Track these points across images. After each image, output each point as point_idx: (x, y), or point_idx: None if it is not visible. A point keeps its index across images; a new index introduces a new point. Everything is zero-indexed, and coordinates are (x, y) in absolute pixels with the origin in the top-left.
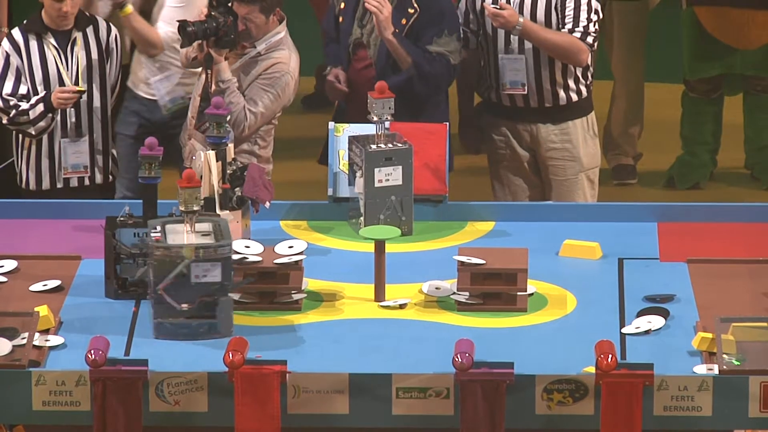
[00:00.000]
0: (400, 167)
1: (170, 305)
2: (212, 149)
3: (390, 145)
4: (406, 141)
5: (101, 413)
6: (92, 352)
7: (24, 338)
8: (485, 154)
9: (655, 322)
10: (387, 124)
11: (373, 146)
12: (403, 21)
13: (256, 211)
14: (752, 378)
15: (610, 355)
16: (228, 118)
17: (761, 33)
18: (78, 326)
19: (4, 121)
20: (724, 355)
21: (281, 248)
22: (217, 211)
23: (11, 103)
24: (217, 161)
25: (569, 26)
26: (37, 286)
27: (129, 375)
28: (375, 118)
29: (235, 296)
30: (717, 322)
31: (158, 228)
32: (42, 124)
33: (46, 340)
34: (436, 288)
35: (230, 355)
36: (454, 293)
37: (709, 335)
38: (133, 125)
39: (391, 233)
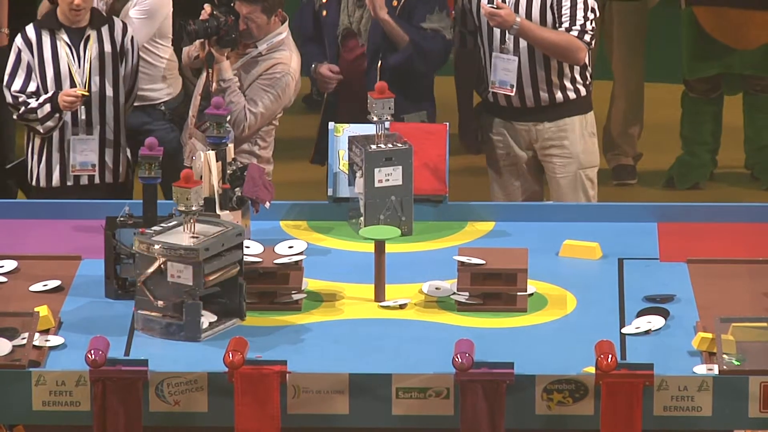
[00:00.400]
0: (400, 167)
1: (148, 299)
2: (212, 149)
3: (390, 145)
4: (406, 141)
5: (101, 413)
6: (92, 352)
7: (24, 338)
8: (485, 154)
9: (655, 322)
10: (387, 124)
11: (373, 146)
12: (395, 2)
13: (256, 211)
14: (752, 378)
15: (610, 356)
16: (228, 118)
17: (759, 33)
18: (78, 326)
19: (15, 117)
20: (724, 356)
21: (281, 248)
22: (217, 211)
23: (20, 99)
24: (217, 161)
25: (566, 25)
26: (37, 287)
27: (129, 375)
28: (375, 118)
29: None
30: (717, 323)
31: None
32: (50, 123)
33: (46, 340)
34: (436, 288)
35: (230, 356)
36: (454, 293)
37: (709, 335)
38: None
39: (391, 233)
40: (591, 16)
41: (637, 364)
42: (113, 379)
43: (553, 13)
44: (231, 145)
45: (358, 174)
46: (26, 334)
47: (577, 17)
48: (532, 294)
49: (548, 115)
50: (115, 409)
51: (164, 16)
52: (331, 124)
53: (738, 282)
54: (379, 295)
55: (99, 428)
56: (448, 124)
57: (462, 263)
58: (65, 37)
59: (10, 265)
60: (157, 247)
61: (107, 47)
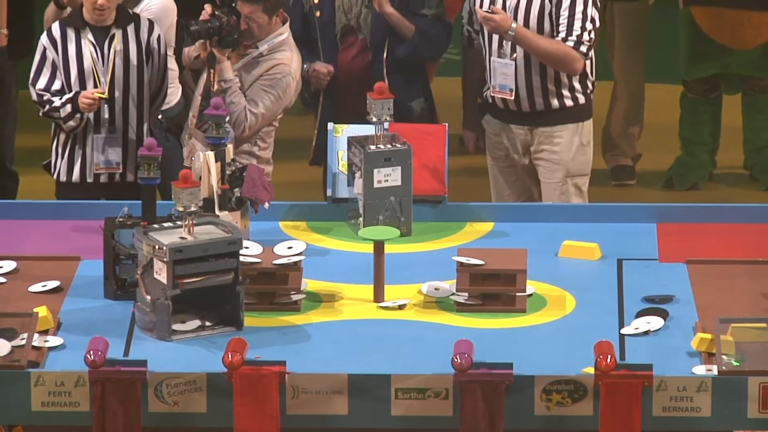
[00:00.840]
0: (399, 168)
1: (141, 292)
2: (211, 150)
3: (389, 146)
4: (405, 142)
5: (100, 414)
6: (91, 352)
7: (23, 339)
8: (485, 154)
9: (654, 322)
10: (386, 124)
11: (372, 147)
12: None
13: (255, 211)
14: (751, 379)
15: (609, 356)
16: (228, 118)
17: (756, 33)
18: (77, 327)
19: (40, 114)
20: (723, 356)
21: (280, 249)
22: (216, 211)
23: (45, 98)
24: (216, 162)
25: (562, 35)
26: (36, 287)
27: (128, 376)
28: (374, 119)
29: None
30: (716, 323)
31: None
32: (72, 123)
33: (45, 341)
34: (435, 289)
35: (229, 356)
36: (453, 294)
37: (708, 336)
38: None
39: (390, 234)
40: (589, 26)
41: (636, 365)
42: (112, 379)
43: (551, 21)
44: (230, 146)
45: (357, 174)
46: (25, 335)
47: (574, 27)
48: (531, 294)
49: (542, 120)
50: (114, 409)
51: (168, 24)
52: (330, 125)
53: (737, 283)
54: (378, 296)
55: (98, 429)
56: (447, 124)
57: (461, 264)
58: (90, 35)
59: (9, 265)
60: (144, 242)
61: (132, 46)
